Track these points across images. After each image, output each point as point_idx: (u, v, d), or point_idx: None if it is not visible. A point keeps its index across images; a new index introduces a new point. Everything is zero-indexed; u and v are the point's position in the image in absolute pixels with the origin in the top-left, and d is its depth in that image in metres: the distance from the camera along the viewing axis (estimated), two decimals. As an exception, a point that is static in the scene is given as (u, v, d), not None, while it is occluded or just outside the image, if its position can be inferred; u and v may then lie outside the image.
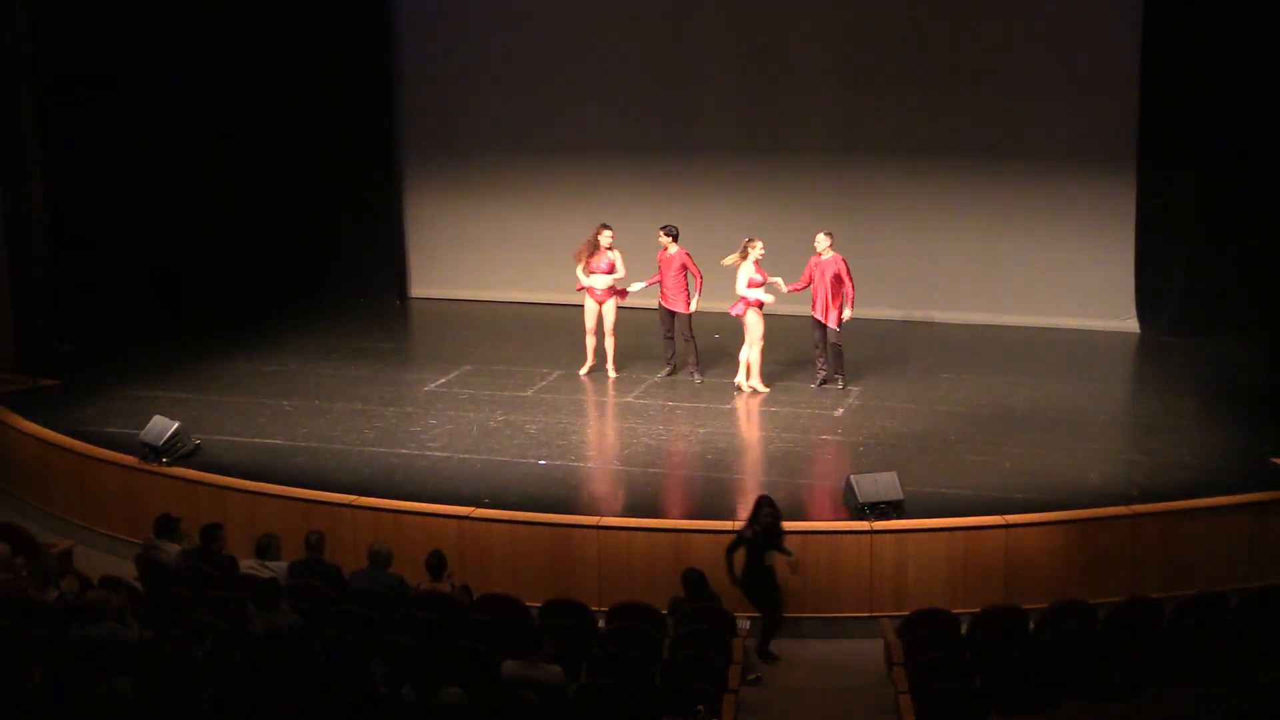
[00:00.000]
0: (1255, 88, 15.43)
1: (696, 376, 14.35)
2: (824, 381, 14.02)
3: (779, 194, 17.59)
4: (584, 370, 14.64)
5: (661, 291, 14.23)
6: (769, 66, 17.58)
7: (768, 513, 9.88)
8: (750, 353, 13.90)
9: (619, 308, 14.36)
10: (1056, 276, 17.02)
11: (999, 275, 17.24)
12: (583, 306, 14.50)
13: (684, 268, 14.06)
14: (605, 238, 14.18)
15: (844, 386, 14.02)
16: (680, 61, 17.82)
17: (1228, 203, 15.87)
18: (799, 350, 14.76)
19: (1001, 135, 17.00)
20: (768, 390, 13.91)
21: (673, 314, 14.24)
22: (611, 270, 14.23)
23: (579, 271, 14.32)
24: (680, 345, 14.39)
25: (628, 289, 14.37)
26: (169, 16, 17.22)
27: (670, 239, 14.12)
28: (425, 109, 18.89)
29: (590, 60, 18.14)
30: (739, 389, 13.94)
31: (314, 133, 18.77)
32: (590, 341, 14.54)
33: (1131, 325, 16.81)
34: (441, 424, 13.16)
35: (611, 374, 14.53)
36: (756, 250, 13.63)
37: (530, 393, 14.23)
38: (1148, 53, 16.11)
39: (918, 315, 17.30)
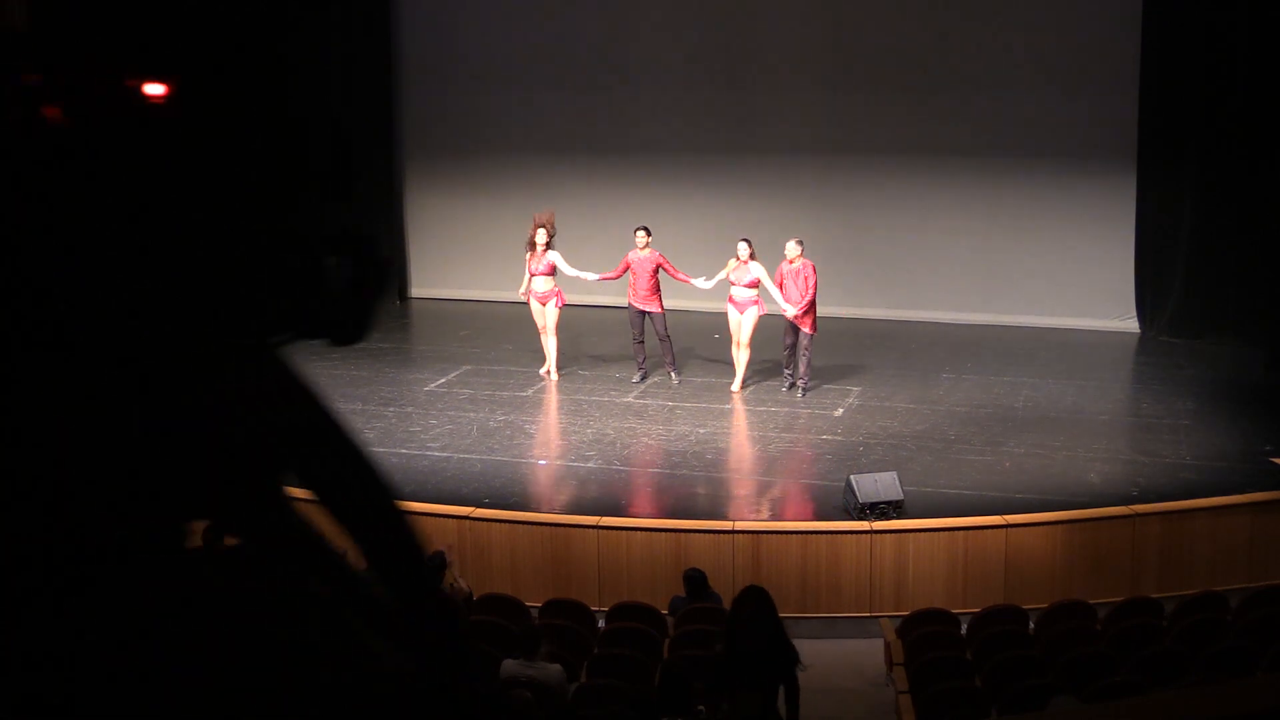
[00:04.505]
0: (1255, 88, 15.42)
1: (674, 376, 14.23)
2: (791, 385, 13.89)
3: (779, 195, 17.61)
4: (544, 369, 14.64)
5: (633, 291, 14.04)
6: (768, 67, 17.59)
7: (750, 611, 6.81)
8: (744, 353, 13.91)
9: (562, 308, 14.28)
10: (1056, 276, 17.04)
11: (999, 275, 17.25)
12: (529, 306, 14.46)
13: (659, 268, 13.92)
14: (540, 237, 14.05)
15: (806, 386, 13.87)
16: (683, 62, 17.84)
17: (1227, 203, 15.87)
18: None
19: (1001, 135, 17.03)
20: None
21: (644, 314, 14.05)
22: (551, 272, 14.13)
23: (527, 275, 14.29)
24: (655, 345, 14.23)
25: (585, 278, 14.22)
26: (169, 16, 17.23)
27: (647, 239, 13.98)
28: (425, 109, 18.90)
29: (590, 60, 18.16)
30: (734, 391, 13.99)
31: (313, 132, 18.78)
32: (545, 341, 14.50)
33: (1131, 325, 16.82)
34: (441, 424, 13.15)
35: (553, 376, 14.51)
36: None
37: (530, 393, 14.23)
38: (1148, 53, 16.13)
39: (917, 315, 17.30)
